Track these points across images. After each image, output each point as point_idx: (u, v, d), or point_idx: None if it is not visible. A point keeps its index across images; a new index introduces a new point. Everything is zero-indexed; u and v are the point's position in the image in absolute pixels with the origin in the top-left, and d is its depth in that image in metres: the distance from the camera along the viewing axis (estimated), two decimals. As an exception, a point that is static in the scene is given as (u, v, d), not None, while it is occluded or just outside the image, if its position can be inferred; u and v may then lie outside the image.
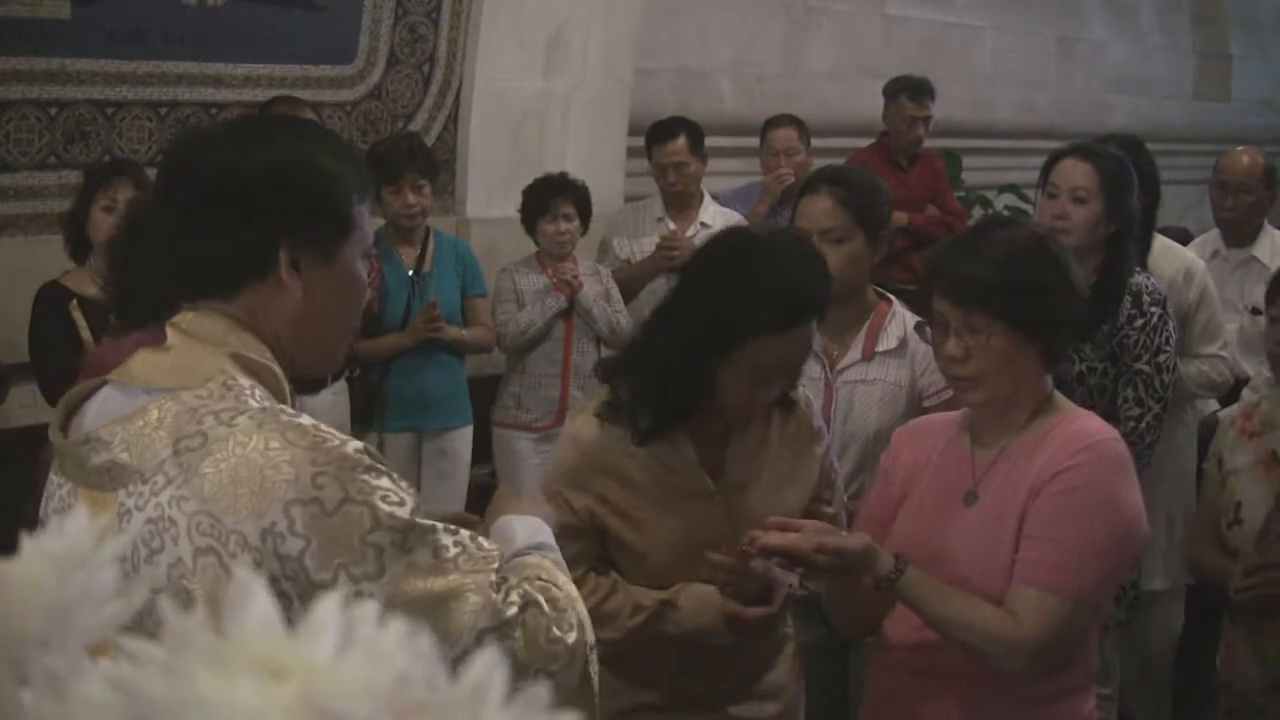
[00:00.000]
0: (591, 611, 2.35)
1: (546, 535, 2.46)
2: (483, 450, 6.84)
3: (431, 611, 1.98)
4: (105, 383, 2.22)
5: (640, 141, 7.73)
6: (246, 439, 1.97)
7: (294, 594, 1.93)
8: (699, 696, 3.47)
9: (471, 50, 7.63)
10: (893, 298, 4.40)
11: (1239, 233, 6.80)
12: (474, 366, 7.10)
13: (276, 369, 2.15)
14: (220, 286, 2.14)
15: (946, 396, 3.91)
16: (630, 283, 7.25)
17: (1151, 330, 4.76)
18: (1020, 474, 3.08)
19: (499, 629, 2.04)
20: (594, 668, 2.22)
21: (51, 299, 5.52)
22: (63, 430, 2.21)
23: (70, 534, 0.81)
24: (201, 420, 2.00)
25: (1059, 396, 3.23)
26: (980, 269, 3.05)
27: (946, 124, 9.35)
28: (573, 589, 2.27)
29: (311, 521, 1.94)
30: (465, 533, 2.10)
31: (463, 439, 6.62)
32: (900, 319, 4.27)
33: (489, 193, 7.75)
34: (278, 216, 2.12)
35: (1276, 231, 6.80)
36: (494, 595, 2.05)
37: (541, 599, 2.13)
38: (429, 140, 7.35)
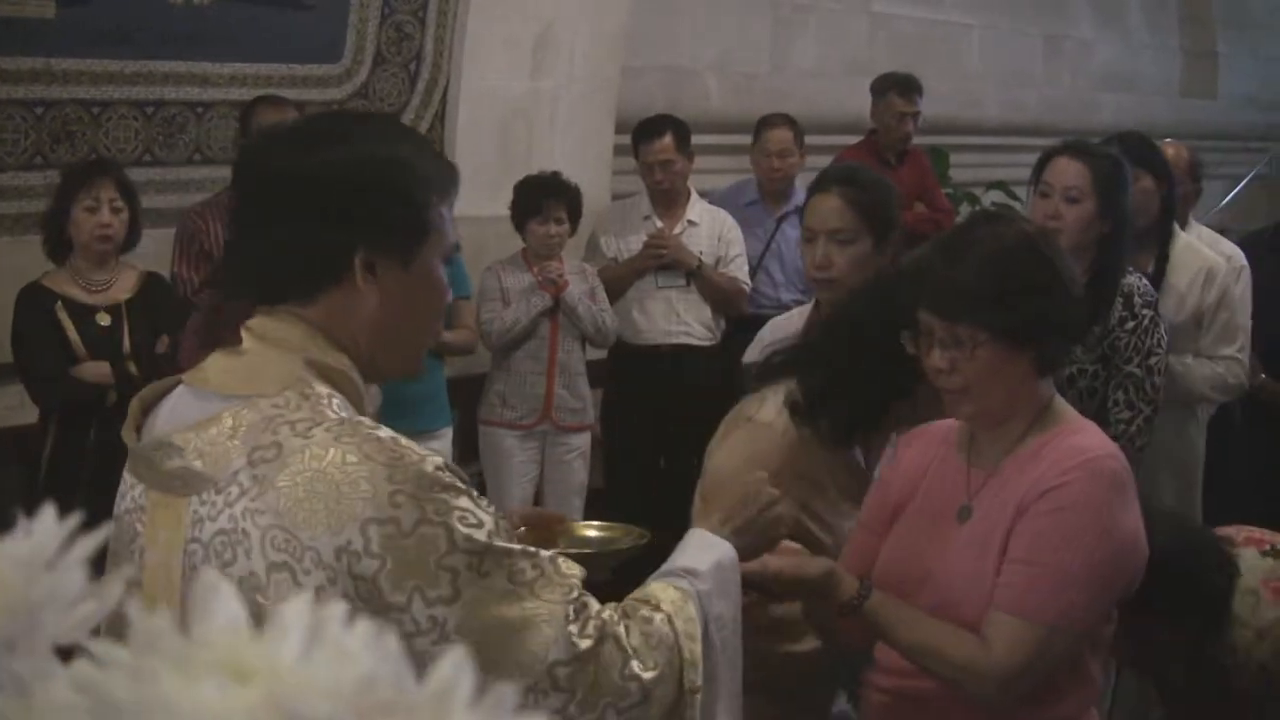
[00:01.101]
0: None
1: (708, 562, 2.34)
2: (469, 448, 6.83)
3: (504, 640, 1.95)
4: (179, 382, 2.19)
5: (627, 139, 7.72)
6: (323, 452, 1.93)
7: (367, 615, 1.85)
8: None
9: (458, 49, 7.62)
10: None
11: None
12: (460, 366, 7.10)
13: (354, 375, 2.12)
14: (297, 290, 2.10)
15: None
16: (617, 281, 7.26)
17: (1143, 332, 4.73)
18: (1011, 491, 2.95)
19: (571, 663, 1.99)
20: (692, 712, 2.14)
21: (34, 300, 5.51)
22: (136, 430, 2.19)
23: (38, 535, 0.80)
24: (277, 430, 1.96)
25: (1060, 404, 3.07)
26: (962, 276, 2.90)
27: (934, 122, 9.35)
28: (695, 628, 2.18)
29: (387, 541, 1.89)
30: (545, 555, 2.04)
31: (444, 440, 6.62)
32: None
33: (476, 192, 7.71)
34: (351, 220, 2.08)
35: (1203, 228, 6.45)
36: (569, 627, 2.00)
37: (623, 632, 2.07)
38: (416, 139, 7.33)
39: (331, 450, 1.93)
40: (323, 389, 2.04)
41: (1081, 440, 2.98)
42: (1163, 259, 5.42)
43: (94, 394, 5.46)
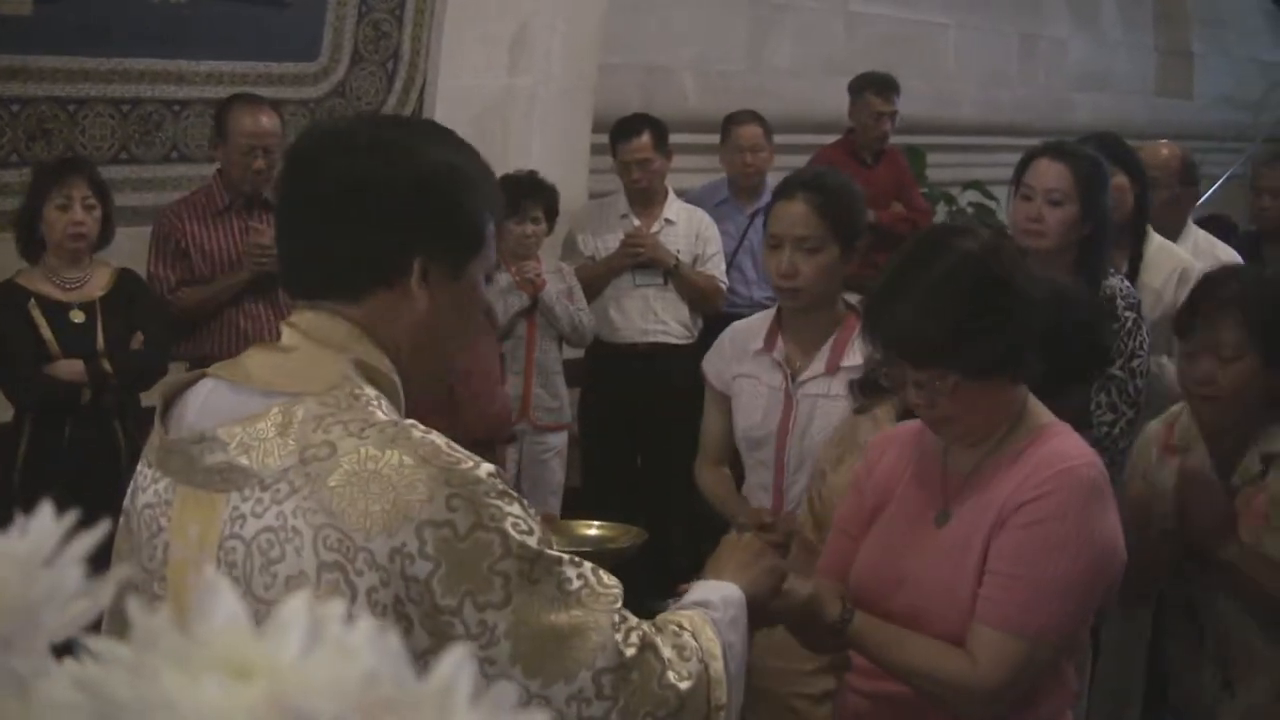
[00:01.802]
0: None
1: (718, 598, 2.39)
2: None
3: (553, 646, 1.96)
4: (204, 374, 2.18)
5: (604, 138, 7.74)
6: (379, 453, 1.93)
7: (415, 617, 1.90)
8: None
9: (435, 47, 7.61)
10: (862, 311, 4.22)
11: (1158, 230, 6.12)
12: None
13: (396, 379, 2.12)
14: (346, 287, 2.10)
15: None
16: (595, 280, 7.27)
17: (1127, 335, 4.69)
18: (990, 497, 2.92)
19: (616, 670, 2.00)
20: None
21: (8, 299, 5.49)
22: (162, 422, 2.16)
23: (34, 533, 0.80)
24: (329, 430, 1.95)
25: (1034, 404, 3.02)
26: (919, 321, 2.83)
27: (910, 121, 9.36)
28: (715, 647, 2.21)
29: (443, 545, 1.90)
30: (587, 565, 2.06)
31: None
32: None
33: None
34: (418, 225, 2.09)
35: (1199, 231, 6.42)
36: (615, 635, 2.02)
37: (661, 642, 2.10)
38: (393, 137, 7.32)
39: (388, 452, 1.92)
40: (370, 391, 2.03)
41: (1060, 446, 2.95)
42: (1136, 258, 5.43)
43: (68, 392, 5.44)
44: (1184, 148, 6.68)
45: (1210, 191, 10.62)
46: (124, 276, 5.73)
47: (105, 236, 5.63)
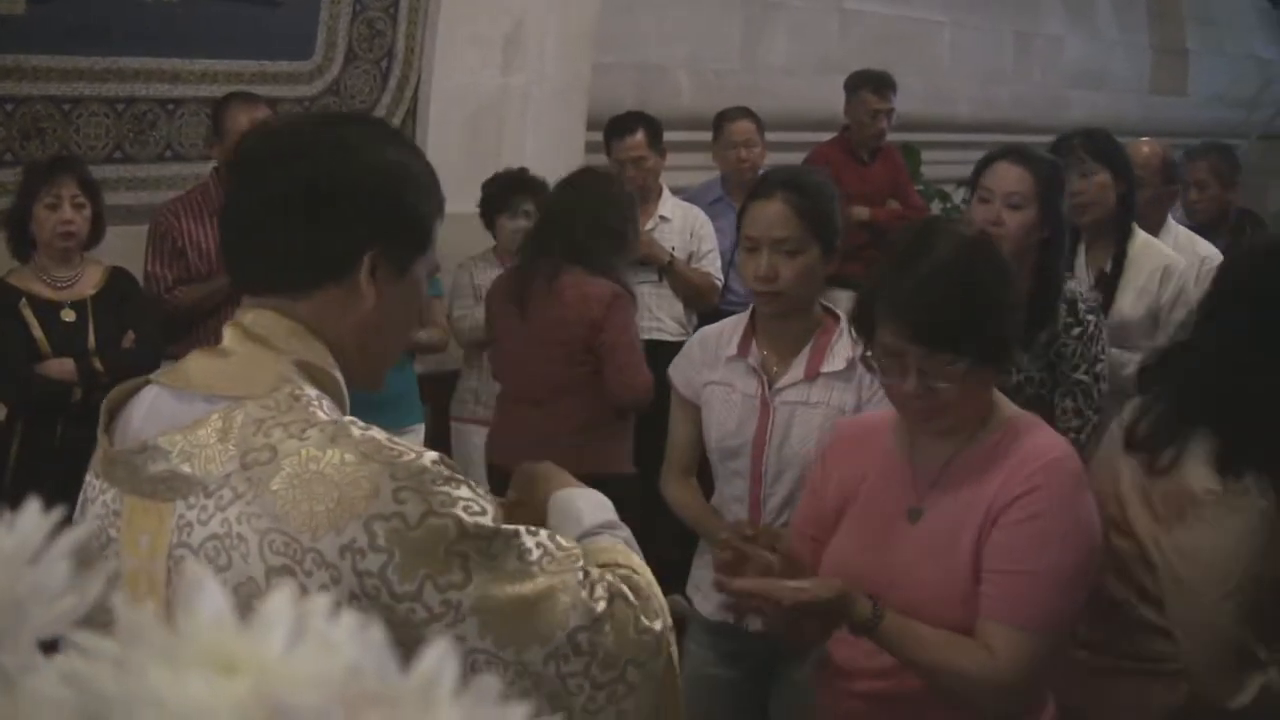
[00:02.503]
0: None
1: (611, 512, 2.44)
2: (440, 446, 6.82)
3: (523, 615, 1.97)
4: (148, 382, 2.18)
5: (599, 136, 7.74)
6: (320, 453, 1.92)
7: (372, 612, 1.86)
8: None
9: (429, 46, 7.61)
10: (841, 314, 4.00)
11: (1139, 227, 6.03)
12: (433, 362, 7.10)
13: (338, 376, 2.12)
14: (296, 283, 2.11)
15: None
16: (589, 278, 7.26)
17: (1089, 339, 4.60)
18: (973, 493, 2.95)
19: (591, 626, 2.02)
20: (674, 650, 2.20)
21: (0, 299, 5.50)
22: (106, 432, 2.16)
23: (21, 529, 0.80)
24: (269, 433, 1.94)
25: (998, 396, 3.08)
26: (938, 302, 2.88)
27: (905, 118, 9.37)
28: (649, 573, 2.25)
29: (394, 536, 1.90)
30: (544, 533, 2.08)
31: (415, 437, 6.61)
32: (848, 338, 3.82)
33: (447, 188, 7.63)
34: (370, 222, 2.11)
35: (1180, 228, 6.32)
36: (583, 594, 2.03)
37: (625, 589, 2.12)
38: (387, 136, 7.33)
39: (329, 451, 1.92)
40: (312, 391, 2.04)
41: (1039, 439, 3.01)
42: (1121, 255, 5.43)
43: (60, 391, 5.44)
44: (1165, 145, 6.64)
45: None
46: (116, 275, 5.72)
47: (95, 235, 5.63)
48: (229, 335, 2.11)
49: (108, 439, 2.14)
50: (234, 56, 6.93)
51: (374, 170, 2.12)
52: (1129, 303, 5.33)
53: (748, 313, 4.14)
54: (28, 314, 5.47)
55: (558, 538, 2.10)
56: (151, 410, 2.11)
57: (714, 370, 4.12)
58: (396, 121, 7.58)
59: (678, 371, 4.30)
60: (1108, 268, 5.43)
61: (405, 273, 2.17)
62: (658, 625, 2.12)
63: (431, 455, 1.99)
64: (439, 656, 0.70)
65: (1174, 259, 5.51)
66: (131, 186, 6.60)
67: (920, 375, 2.90)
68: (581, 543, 2.25)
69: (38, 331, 5.46)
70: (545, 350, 5.67)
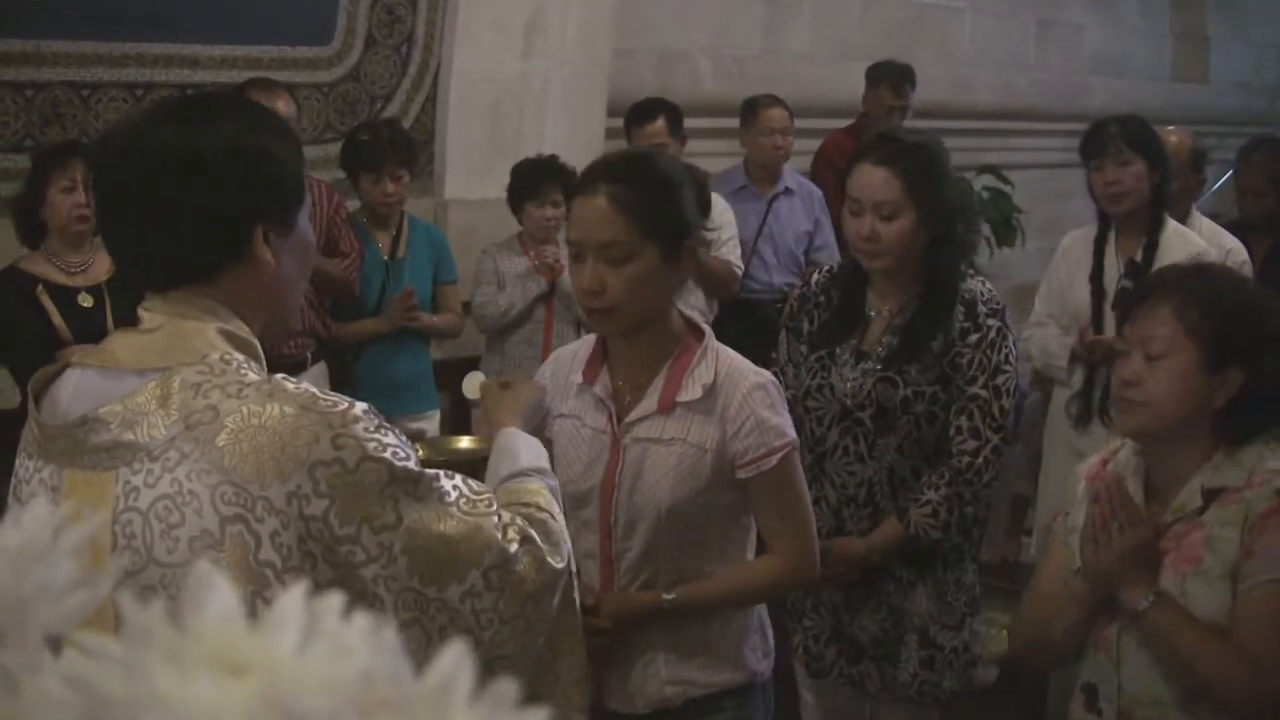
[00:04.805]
0: None
1: (546, 460, 2.66)
2: (458, 432, 6.82)
3: (445, 553, 2.11)
4: (68, 365, 2.25)
5: (619, 123, 7.73)
6: (260, 408, 2.02)
7: (318, 553, 2.02)
8: None
9: (449, 32, 7.60)
10: (706, 329, 3.38)
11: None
12: (454, 348, 7.12)
13: (256, 343, 2.20)
14: (197, 271, 2.16)
15: (768, 466, 3.21)
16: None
17: (989, 347, 4.00)
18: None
19: (502, 565, 2.17)
20: (576, 595, 2.38)
21: (16, 287, 5.47)
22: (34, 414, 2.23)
23: (26, 525, 0.79)
24: (208, 395, 2.03)
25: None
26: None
27: (925, 105, 9.34)
28: (563, 521, 2.41)
29: (335, 480, 2.01)
30: (458, 477, 2.22)
31: (431, 423, 6.63)
32: (713, 359, 3.27)
33: (468, 174, 7.74)
34: (251, 194, 2.15)
35: (1204, 219, 6.27)
36: (497, 534, 2.18)
37: (534, 532, 2.27)
38: (407, 122, 7.34)
39: (268, 405, 2.03)
40: (240, 355, 2.12)
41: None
42: (1152, 246, 5.41)
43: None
44: (1193, 135, 6.63)
45: (1226, 177, 10.57)
46: (125, 259, 5.70)
47: (104, 220, 5.62)
48: (148, 317, 2.18)
49: (38, 418, 2.21)
50: (253, 42, 6.93)
51: (236, 145, 2.13)
52: None
53: (595, 335, 3.48)
54: (46, 301, 5.46)
55: (471, 482, 2.24)
56: (78, 391, 2.18)
57: (564, 400, 3.43)
58: (416, 107, 7.58)
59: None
60: (1138, 256, 5.41)
61: (293, 226, 2.23)
62: (559, 565, 2.29)
63: (362, 405, 2.11)
64: (453, 660, 0.69)
65: (1204, 247, 5.49)
66: (151, 172, 6.59)
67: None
68: (512, 480, 2.50)
69: (58, 319, 5.44)
70: None
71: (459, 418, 6.86)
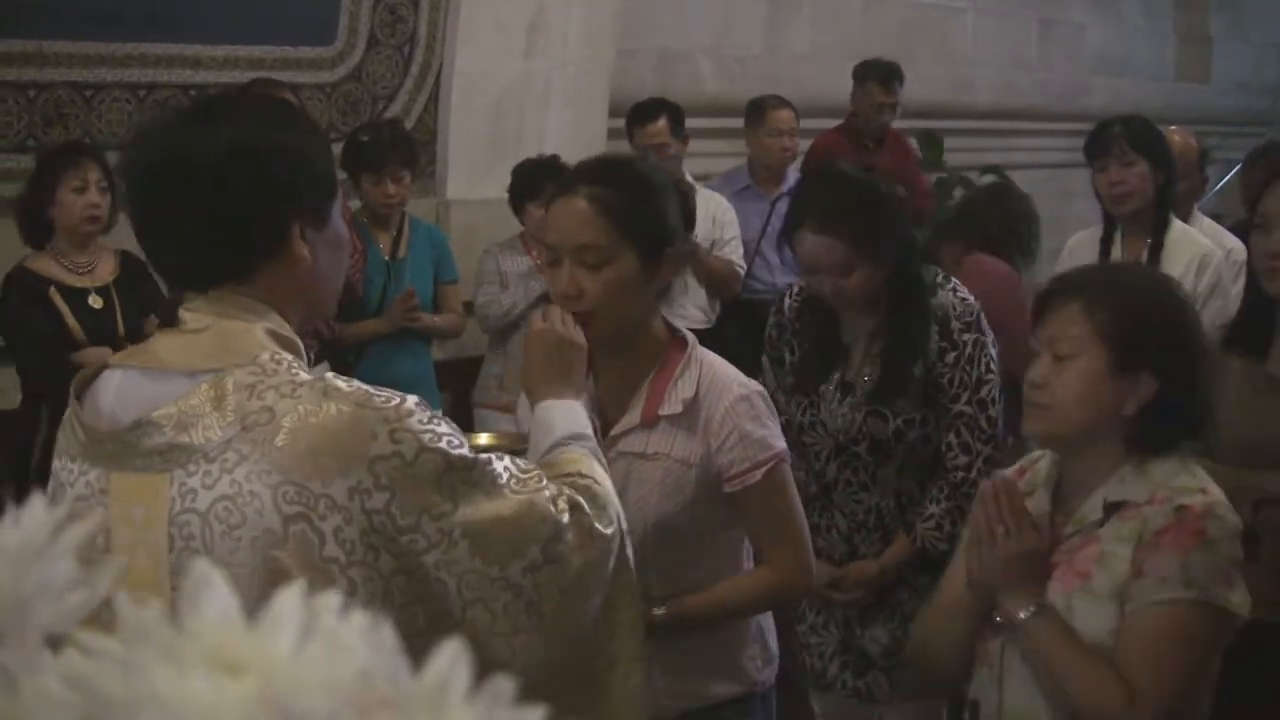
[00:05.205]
0: None
1: (584, 424, 2.65)
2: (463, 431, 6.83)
3: (505, 533, 2.15)
4: (106, 366, 2.26)
5: (621, 123, 7.72)
6: (316, 408, 2.05)
7: (380, 545, 2.05)
8: None
9: (452, 32, 7.61)
10: (691, 338, 3.31)
11: None
12: (455, 348, 7.12)
13: (297, 340, 2.22)
14: (236, 270, 2.18)
15: (752, 481, 3.15)
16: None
17: (968, 363, 3.98)
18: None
19: (556, 536, 2.21)
20: (630, 552, 2.41)
21: (28, 288, 5.47)
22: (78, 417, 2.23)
23: (26, 524, 0.79)
24: (263, 396, 2.05)
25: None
26: None
27: (927, 105, 9.36)
28: (609, 482, 2.44)
29: (395, 473, 2.05)
30: (507, 458, 2.26)
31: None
32: (695, 370, 3.19)
33: (469, 174, 7.74)
34: (288, 192, 2.17)
35: (1206, 219, 6.24)
36: (550, 508, 2.22)
37: (583, 500, 2.30)
38: (409, 122, 7.34)
39: (324, 404, 2.05)
40: (288, 355, 2.14)
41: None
42: (1157, 247, 5.40)
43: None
44: (1196, 135, 6.62)
45: (1228, 177, 10.58)
46: (128, 260, 5.67)
47: (111, 220, 5.62)
48: (191, 317, 2.19)
49: (80, 422, 2.22)
50: (256, 42, 6.93)
51: (268, 147, 2.16)
52: None
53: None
54: (59, 302, 5.45)
55: (519, 461, 2.29)
56: (120, 393, 2.19)
57: None
58: (419, 107, 7.59)
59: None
60: (1144, 257, 5.40)
61: (327, 220, 2.25)
62: (609, 530, 2.32)
63: (413, 398, 2.15)
64: (450, 658, 0.69)
65: (1210, 249, 5.46)
66: (153, 172, 6.59)
67: None
68: (552, 451, 2.53)
69: (71, 320, 5.44)
70: None
71: (461, 418, 6.86)
